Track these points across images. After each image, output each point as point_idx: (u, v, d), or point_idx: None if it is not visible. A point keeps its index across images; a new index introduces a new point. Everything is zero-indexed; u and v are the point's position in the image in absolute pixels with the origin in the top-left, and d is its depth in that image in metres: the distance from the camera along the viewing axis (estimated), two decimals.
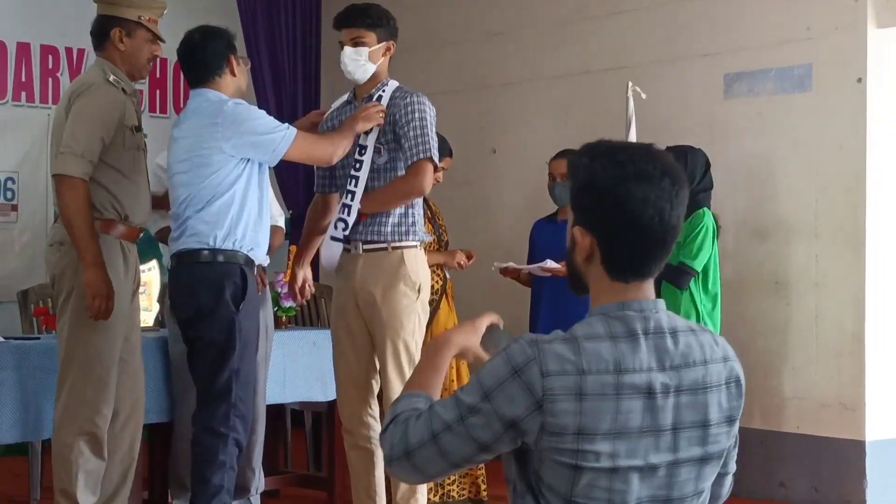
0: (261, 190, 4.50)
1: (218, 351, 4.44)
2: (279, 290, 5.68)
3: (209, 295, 4.41)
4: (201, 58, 4.50)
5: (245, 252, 4.46)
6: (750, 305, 6.02)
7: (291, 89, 8.11)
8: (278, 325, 5.61)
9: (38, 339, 4.98)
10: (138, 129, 4.57)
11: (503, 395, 2.00)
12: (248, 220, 4.45)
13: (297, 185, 7.99)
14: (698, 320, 5.39)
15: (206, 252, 4.41)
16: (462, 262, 5.77)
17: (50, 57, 7.32)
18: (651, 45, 6.54)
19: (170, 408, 5.09)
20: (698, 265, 5.35)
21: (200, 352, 4.48)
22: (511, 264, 5.92)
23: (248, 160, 4.44)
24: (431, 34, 7.77)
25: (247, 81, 4.68)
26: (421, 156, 4.46)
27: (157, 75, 7.85)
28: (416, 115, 4.50)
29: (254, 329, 4.58)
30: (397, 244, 4.51)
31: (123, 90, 4.53)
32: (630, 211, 2.04)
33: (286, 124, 4.47)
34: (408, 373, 4.47)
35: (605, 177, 2.06)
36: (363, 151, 4.55)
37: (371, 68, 4.55)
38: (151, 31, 4.58)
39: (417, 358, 4.53)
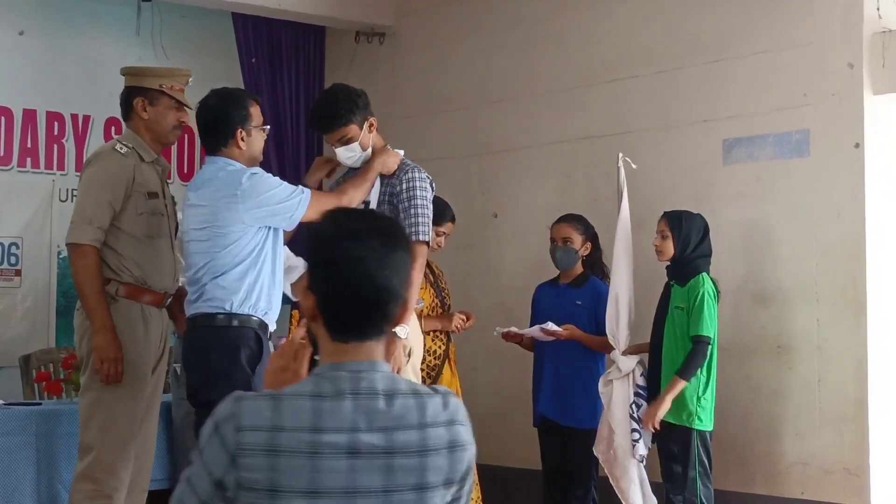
0: (275, 253, 4.52)
1: None
2: None
3: (225, 358, 4.40)
4: (212, 125, 4.49)
5: (259, 316, 4.46)
6: (752, 370, 6.02)
7: (294, 154, 8.17)
8: None
9: (40, 404, 4.99)
10: (154, 195, 4.63)
11: (208, 452, 2.04)
12: (263, 285, 4.46)
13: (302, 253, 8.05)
14: (699, 385, 5.43)
15: (221, 316, 4.40)
16: (458, 326, 5.80)
17: (56, 123, 7.43)
18: (650, 111, 6.60)
19: (172, 475, 5.09)
20: (709, 331, 5.42)
21: (207, 413, 4.47)
22: (513, 329, 5.95)
23: (268, 233, 4.46)
24: (433, 101, 7.85)
25: (262, 148, 4.61)
26: (416, 238, 4.55)
27: (186, 144, 7.96)
28: (415, 191, 4.60)
29: None
30: None
31: (141, 158, 4.61)
32: (338, 271, 2.07)
33: (300, 187, 4.48)
34: None
35: (320, 237, 2.11)
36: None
37: (367, 153, 4.67)
38: (175, 99, 4.67)
39: None
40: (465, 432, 2.13)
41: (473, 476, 2.17)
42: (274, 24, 8.09)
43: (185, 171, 7.96)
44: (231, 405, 2.06)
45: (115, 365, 4.40)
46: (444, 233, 5.78)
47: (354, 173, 4.70)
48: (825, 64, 5.85)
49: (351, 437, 2.01)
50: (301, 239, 4.66)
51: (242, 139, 4.46)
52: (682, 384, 5.40)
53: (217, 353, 4.39)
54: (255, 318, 4.45)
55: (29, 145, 7.40)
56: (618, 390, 5.61)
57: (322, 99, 4.69)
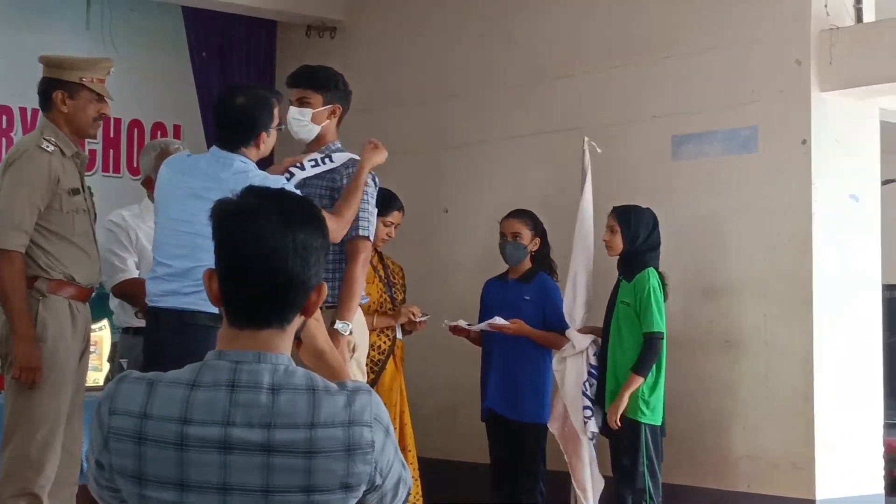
0: None
1: None
2: None
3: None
4: (236, 125, 4.31)
5: None
6: (701, 364, 6.06)
7: None
8: None
9: None
10: (77, 191, 4.56)
11: (92, 432, 1.98)
12: None
13: None
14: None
15: (212, 315, 4.19)
16: (410, 317, 5.77)
17: (4, 117, 7.35)
18: (602, 107, 6.62)
19: None
20: (660, 326, 5.49)
21: None
22: (461, 322, 5.95)
23: None
24: (385, 96, 7.82)
25: (271, 148, 4.47)
26: (356, 233, 4.53)
27: (111, 135, 7.87)
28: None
29: None
30: (331, 304, 4.51)
31: (62, 152, 4.53)
32: (232, 249, 1.96)
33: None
34: None
35: (219, 213, 1.98)
36: None
37: (314, 129, 4.61)
38: (96, 92, 4.58)
39: None
40: (370, 434, 1.96)
41: (399, 480, 2.05)
42: (225, 18, 8.04)
43: (111, 162, 7.87)
44: (113, 385, 1.97)
45: (34, 374, 4.36)
46: (392, 223, 5.77)
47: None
48: (773, 61, 5.90)
49: (223, 430, 1.89)
50: None
51: (263, 141, 4.35)
52: (638, 381, 5.43)
53: (205, 351, 4.29)
54: None
55: None
56: (571, 367, 5.69)
57: (312, 65, 4.73)
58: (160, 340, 4.36)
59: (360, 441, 1.94)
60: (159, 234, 4.41)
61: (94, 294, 4.69)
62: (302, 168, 4.63)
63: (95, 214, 4.73)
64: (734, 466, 5.91)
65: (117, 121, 7.85)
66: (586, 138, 5.80)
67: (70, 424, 4.58)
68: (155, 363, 4.39)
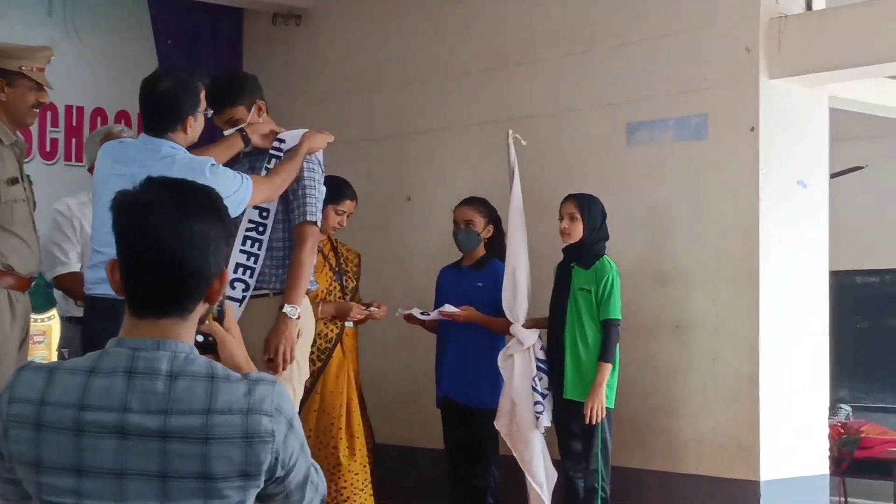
0: None
1: None
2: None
3: None
4: (161, 109, 4.30)
5: None
6: (652, 348, 6.12)
7: (209, 136, 8.11)
8: None
9: None
10: (15, 180, 4.54)
11: None
12: None
13: None
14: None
15: None
16: (356, 318, 5.73)
17: None
18: (557, 94, 6.68)
19: None
20: (619, 314, 5.57)
21: None
22: (415, 310, 5.98)
23: None
24: (348, 82, 7.87)
25: (198, 134, 4.42)
26: (304, 218, 4.56)
27: (74, 123, 7.88)
28: (302, 172, 4.59)
29: None
30: (279, 290, 4.56)
31: (0, 141, 4.51)
32: (129, 240, 1.99)
33: (241, 174, 4.37)
34: None
35: (118, 204, 2.01)
36: (266, 215, 4.61)
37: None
38: (34, 80, 4.58)
39: (295, 404, 4.57)
40: (269, 423, 1.96)
41: (306, 481, 2.07)
42: (190, 6, 8.02)
43: (48, 149, 7.80)
44: (14, 374, 2.01)
45: None
46: (345, 211, 5.80)
47: (255, 154, 4.69)
48: (723, 48, 5.96)
49: (120, 416, 1.92)
50: None
51: (190, 126, 4.32)
52: (608, 368, 5.50)
53: None
54: None
55: None
56: (519, 363, 5.68)
57: (211, 83, 4.66)
58: (94, 328, 4.33)
59: (258, 429, 1.95)
60: (95, 221, 4.42)
61: (33, 283, 4.68)
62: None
63: (35, 203, 4.71)
64: (682, 449, 5.99)
65: (80, 109, 7.85)
66: (510, 131, 5.81)
67: None
68: (90, 350, 4.46)
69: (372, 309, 5.79)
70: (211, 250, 2.00)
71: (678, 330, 6.05)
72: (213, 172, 4.22)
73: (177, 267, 1.97)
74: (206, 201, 2.05)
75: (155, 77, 4.40)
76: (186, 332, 2.01)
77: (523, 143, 5.82)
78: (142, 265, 1.98)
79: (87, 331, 4.43)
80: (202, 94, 4.36)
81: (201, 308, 2.05)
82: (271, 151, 4.66)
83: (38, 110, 4.68)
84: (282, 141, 4.66)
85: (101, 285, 4.25)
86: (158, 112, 4.31)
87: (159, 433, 1.92)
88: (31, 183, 4.70)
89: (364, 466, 5.64)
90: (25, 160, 4.85)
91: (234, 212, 4.19)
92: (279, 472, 2.00)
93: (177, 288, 1.99)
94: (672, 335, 6.07)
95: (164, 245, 1.96)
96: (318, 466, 2.12)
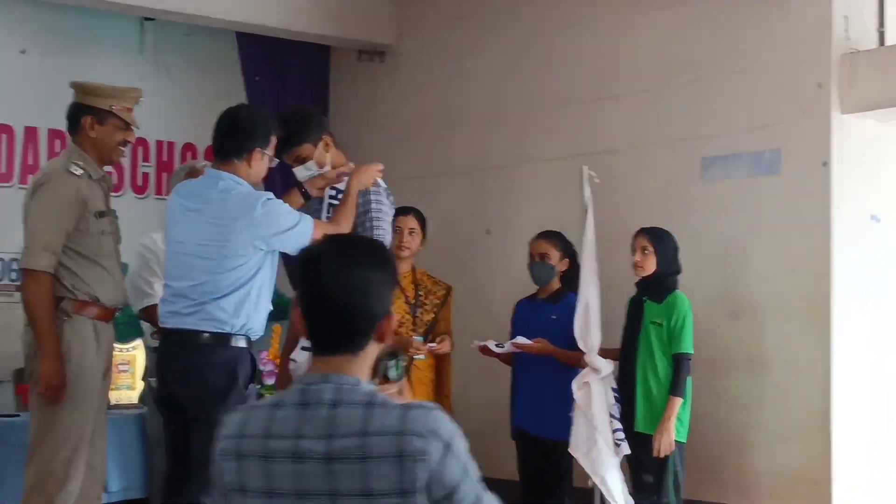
0: (271, 273, 4.54)
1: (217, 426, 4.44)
2: (262, 367, 5.87)
3: (224, 378, 4.41)
4: (234, 134, 4.47)
5: (249, 335, 4.51)
6: (725, 383, 6.13)
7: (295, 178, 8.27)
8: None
9: (18, 416, 5.10)
10: (103, 214, 4.71)
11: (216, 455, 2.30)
12: (260, 309, 4.50)
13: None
14: None
15: (220, 336, 4.40)
16: (412, 352, 5.74)
17: (57, 141, 7.44)
18: (633, 130, 6.74)
19: (148, 483, 5.23)
20: (691, 348, 5.60)
21: (206, 430, 4.48)
22: (490, 342, 6.04)
23: (270, 254, 4.48)
24: (430, 118, 8.01)
25: (261, 176, 4.61)
26: None
27: (164, 158, 8.08)
28: (369, 204, 4.74)
29: None
30: None
31: (89, 176, 4.70)
32: (305, 291, 2.27)
33: (302, 214, 4.52)
34: None
35: (300, 260, 2.32)
36: None
37: (325, 170, 4.79)
38: (123, 120, 4.77)
39: None
40: (421, 443, 2.15)
41: (481, 498, 2.22)
42: (278, 43, 8.16)
43: (139, 183, 8.02)
44: (227, 418, 2.31)
45: (58, 391, 4.52)
46: (401, 227, 5.78)
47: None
48: (796, 84, 5.99)
49: (295, 443, 2.18)
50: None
51: (256, 159, 4.48)
52: (678, 402, 5.53)
53: (216, 372, 4.39)
54: (246, 337, 4.48)
55: (30, 162, 7.45)
56: (597, 392, 5.66)
57: (278, 120, 4.81)
58: (165, 359, 4.56)
59: (410, 448, 2.15)
60: (166, 256, 4.61)
61: (117, 314, 4.84)
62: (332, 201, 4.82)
63: (119, 237, 4.88)
64: (755, 483, 5.98)
65: (171, 144, 8.08)
66: (585, 168, 5.86)
67: (93, 441, 4.71)
68: (161, 380, 4.58)
69: (431, 345, 5.81)
70: (374, 293, 2.27)
71: (751, 364, 6.06)
72: (265, 206, 4.37)
73: (343, 310, 2.24)
74: (368, 251, 2.32)
75: (235, 107, 4.59)
76: (357, 368, 2.27)
77: (597, 180, 5.88)
78: (315, 310, 2.26)
79: (159, 361, 4.61)
80: (273, 137, 4.52)
81: (374, 347, 2.30)
82: (329, 201, 4.81)
83: (124, 149, 4.87)
84: (339, 191, 4.80)
85: (171, 318, 4.45)
86: (229, 136, 4.47)
87: (326, 456, 2.17)
88: (116, 217, 4.88)
89: None
90: (116, 194, 5.03)
91: (290, 247, 4.36)
92: (438, 493, 2.17)
93: (343, 329, 2.26)
94: (745, 369, 6.08)
95: (329, 294, 2.24)
96: (485, 490, 2.29)
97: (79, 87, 4.87)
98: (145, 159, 8.04)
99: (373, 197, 4.74)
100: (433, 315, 6.02)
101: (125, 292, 4.90)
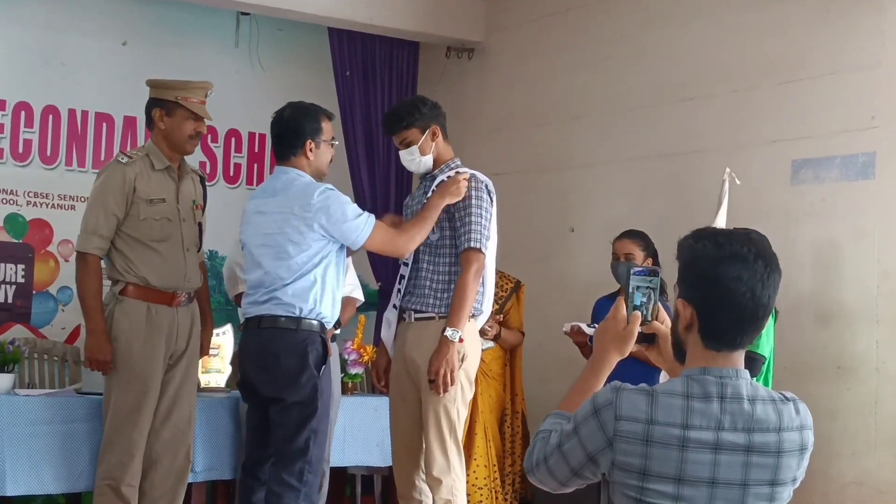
0: (339, 262, 4.70)
1: (301, 412, 4.60)
2: (347, 356, 5.94)
3: (295, 359, 4.58)
4: (284, 134, 4.72)
5: (322, 321, 4.67)
6: (812, 389, 6.04)
7: (385, 167, 8.37)
8: (344, 390, 5.85)
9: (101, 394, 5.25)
10: (161, 200, 4.94)
11: (586, 430, 2.34)
12: (327, 291, 4.65)
13: (387, 258, 8.19)
14: None
15: (292, 320, 4.59)
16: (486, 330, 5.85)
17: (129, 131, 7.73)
18: (723, 130, 6.69)
19: (235, 466, 5.34)
20: (766, 350, 5.51)
21: (283, 412, 4.63)
22: (576, 324, 6.01)
23: (337, 245, 4.64)
24: (516, 116, 8.04)
25: (328, 162, 4.81)
26: (469, 245, 4.71)
27: (256, 150, 8.27)
28: (470, 199, 4.74)
29: (329, 392, 4.80)
30: (444, 314, 4.73)
31: (152, 165, 4.93)
32: (725, 287, 2.32)
33: (367, 213, 4.69)
34: (447, 439, 4.66)
35: (706, 256, 2.35)
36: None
37: (428, 159, 4.84)
38: (192, 111, 4.95)
39: (458, 425, 4.72)
40: (811, 436, 2.41)
41: None
42: (368, 38, 8.28)
43: (231, 174, 8.24)
44: (610, 394, 2.33)
45: (103, 366, 4.81)
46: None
47: (428, 186, 4.88)
48: (891, 86, 5.88)
49: (716, 434, 2.29)
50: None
51: (311, 150, 4.68)
52: None
53: (288, 354, 4.58)
54: (318, 323, 4.65)
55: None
56: None
57: (392, 105, 4.97)
58: (244, 345, 4.78)
59: (807, 442, 2.40)
60: (245, 252, 4.84)
61: (183, 299, 5.01)
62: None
63: (198, 224, 5.10)
64: (841, 493, 5.89)
65: (262, 136, 8.22)
66: (728, 169, 5.80)
67: (170, 419, 4.94)
68: (240, 365, 4.80)
69: (485, 327, 5.82)
70: (775, 296, 2.38)
71: (839, 371, 5.98)
72: (323, 194, 4.57)
73: (761, 311, 2.35)
74: (774, 253, 2.39)
75: (281, 109, 4.79)
76: (742, 362, 2.40)
77: (738, 181, 5.82)
78: (732, 309, 2.33)
79: (241, 346, 4.84)
80: (324, 124, 4.74)
81: None
82: (441, 179, 4.83)
83: (197, 140, 5.05)
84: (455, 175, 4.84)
85: (249, 308, 4.69)
86: (281, 138, 4.72)
87: (745, 448, 2.31)
88: (195, 206, 5.07)
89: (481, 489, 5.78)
90: (209, 184, 5.22)
91: (349, 238, 4.57)
92: (800, 477, 2.43)
93: (755, 327, 2.38)
94: (833, 376, 6.00)
95: (756, 293, 2.33)
96: None
97: (150, 83, 5.09)
98: (237, 150, 8.23)
99: (474, 193, 4.76)
100: (497, 306, 6.08)
101: (193, 278, 5.03)
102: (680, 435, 2.27)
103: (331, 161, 4.84)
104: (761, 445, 2.30)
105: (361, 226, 4.59)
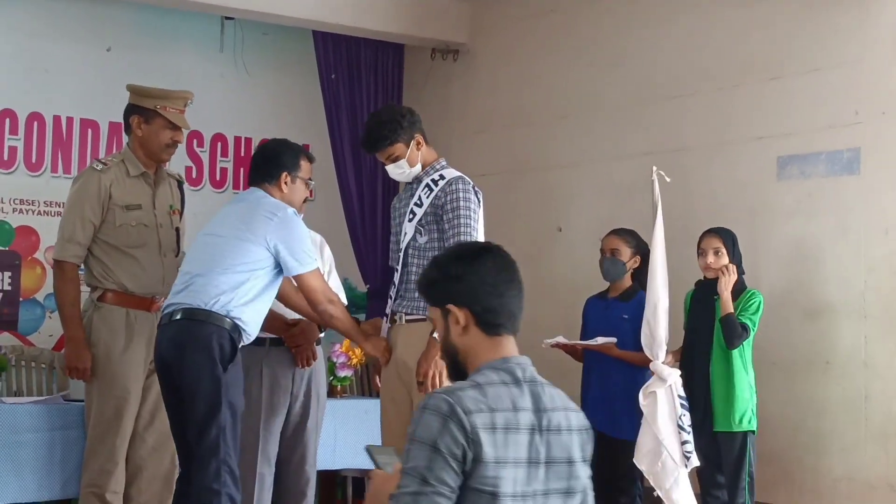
0: (269, 287, 4.59)
1: (206, 407, 4.39)
2: (335, 359, 5.93)
3: (199, 349, 4.39)
4: (262, 162, 4.74)
5: (233, 320, 4.47)
6: (801, 385, 6.07)
7: (371, 169, 8.34)
8: (333, 393, 5.84)
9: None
10: (136, 207, 4.94)
11: (448, 437, 2.36)
12: (251, 302, 4.51)
13: (375, 260, 8.21)
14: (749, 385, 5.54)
15: (200, 310, 4.42)
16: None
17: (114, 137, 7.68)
18: (707, 128, 6.70)
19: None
20: (752, 325, 5.57)
21: (189, 406, 4.42)
22: (560, 338, 6.03)
23: (274, 265, 4.54)
24: (502, 116, 8.04)
25: (302, 200, 4.79)
26: (456, 240, 4.70)
27: (242, 154, 8.24)
28: (459, 202, 4.73)
29: (240, 395, 4.55)
30: (420, 318, 4.71)
31: (127, 172, 4.94)
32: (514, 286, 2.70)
33: (315, 258, 4.68)
34: None
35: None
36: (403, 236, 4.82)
37: (415, 168, 4.82)
38: (170, 120, 4.96)
39: None
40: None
41: None
42: (353, 41, 8.28)
43: (217, 178, 8.18)
44: (445, 396, 2.44)
45: (82, 374, 4.82)
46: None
47: (414, 188, 4.87)
48: (875, 82, 5.91)
49: (530, 415, 2.47)
50: None
51: (286, 183, 4.68)
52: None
53: (194, 343, 4.39)
54: (228, 320, 4.44)
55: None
56: (663, 401, 5.59)
57: (369, 121, 4.88)
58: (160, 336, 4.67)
59: (584, 423, 2.64)
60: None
61: (162, 304, 4.79)
62: (421, 205, 4.84)
63: (175, 229, 5.08)
64: (832, 488, 5.91)
65: (248, 140, 8.22)
66: (655, 168, 5.74)
67: (152, 426, 4.92)
68: (164, 358, 4.63)
69: None
70: None
71: (828, 366, 5.99)
72: (291, 217, 4.56)
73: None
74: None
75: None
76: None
77: (667, 179, 5.82)
78: (518, 298, 2.74)
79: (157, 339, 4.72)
80: (303, 162, 4.75)
81: None
82: (427, 181, 4.82)
83: (173, 149, 5.06)
84: (441, 178, 4.82)
85: (171, 296, 4.61)
86: (258, 164, 4.75)
87: (546, 427, 2.49)
88: (173, 211, 5.08)
89: None
90: (195, 189, 5.21)
91: (289, 263, 4.52)
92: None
93: None
94: (821, 372, 6.01)
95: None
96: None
97: (131, 89, 5.09)
98: (223, 154, 8.22)
99: (462, 195, 4.75)
100: None
101: (171, 283, 4.94)
102: (514, 419, 2.45)
103: (304, 202, 4.82)
104: (556, 425, 2.52)
105: (307, 259, 4.54)
